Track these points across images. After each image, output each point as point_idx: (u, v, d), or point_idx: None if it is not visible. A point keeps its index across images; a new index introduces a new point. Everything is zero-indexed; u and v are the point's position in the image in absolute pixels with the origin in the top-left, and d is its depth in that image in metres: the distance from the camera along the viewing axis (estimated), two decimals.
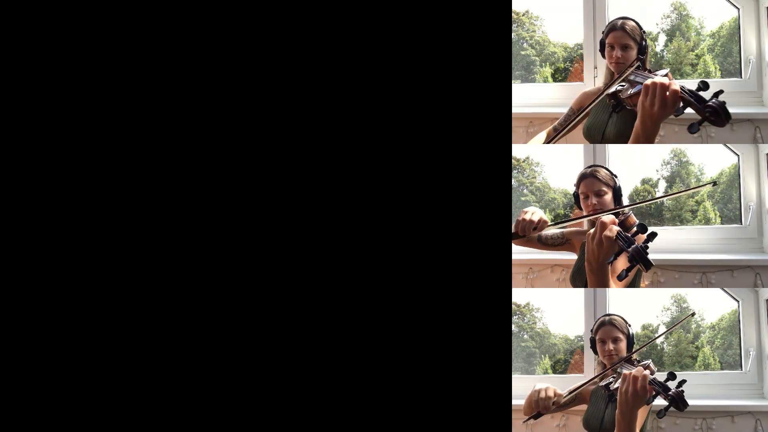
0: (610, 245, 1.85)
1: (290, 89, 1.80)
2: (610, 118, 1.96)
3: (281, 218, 1.79)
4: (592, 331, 2.02)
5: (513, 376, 1.87)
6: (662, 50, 2.11)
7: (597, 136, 1.98)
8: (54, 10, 1.80)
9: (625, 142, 1.93)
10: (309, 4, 1.80)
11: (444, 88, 1.79)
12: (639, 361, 1.95)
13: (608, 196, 1.97)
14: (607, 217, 1.87)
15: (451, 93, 1.79)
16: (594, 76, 2.13)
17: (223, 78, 1.80)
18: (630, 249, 1.83)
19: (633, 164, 2.14)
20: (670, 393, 1.87)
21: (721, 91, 1.82)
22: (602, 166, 2.00)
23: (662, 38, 2.12)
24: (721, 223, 2.12)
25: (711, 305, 2.12)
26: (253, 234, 1.79)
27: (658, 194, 2.15)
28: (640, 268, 1.85)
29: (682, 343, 2.11)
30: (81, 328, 1.78)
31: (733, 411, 2.04)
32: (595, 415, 1.95)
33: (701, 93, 1.83)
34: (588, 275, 1.88)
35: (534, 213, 1.96)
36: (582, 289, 2.07)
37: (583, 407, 1.99)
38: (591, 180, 1.98)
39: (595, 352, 2.01)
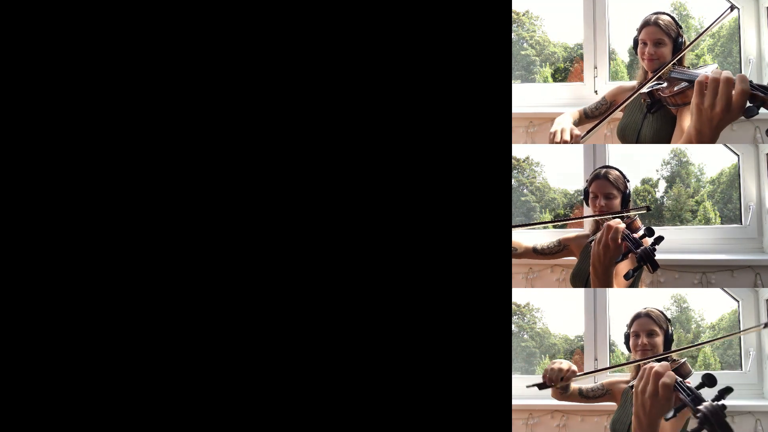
0: (617, 248, 1.81)
1: (290, 89, 1.80)
2: (645, 119, 1.89)
3: (282, 217, 1.79)
4: (627, 326, 1.95)
5: (513, 376, 1.87)
6: None
7: (632, 136, 1.92)
8: (54, 10, 1.80)
9: (665, 142, 1.87)
10: (309, 4, 1.80)
11: (444, 88, 1.79)
12: (675, 361, 1.83)
13: (617, 201, 1.95)
14: (613, 221, 1.82)
15: (452, 93, 1.79)
16: (594, 76, 2.13)
17: (223, 78, 1.80)
18: (638, 250, 1.80)
19: (633, 164, 2.14)
20: (700, 408, 1.49)
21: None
22: (616, 169, 1.98)
23: None
24: (721, 223, 2.12)
25: (711, 305, 2.12)
26: (253, 231, 1.79)
27: (658, 194, 2.15)
28: (648, 269, 1.81)
29: (683, 343, 2.11)
30: (81, 328, 1.78)
31: (733, 411, 2.04)
32: (622, 419, 1.88)
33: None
34: (592, 277, 1.86)
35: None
36: (582, 289, 2.07)
37: (608, 406, 1.97)
38: (602, 181, 1.96)
39: (629, 350, 1.94)
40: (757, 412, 2.03)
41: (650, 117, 1.87)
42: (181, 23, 1.80)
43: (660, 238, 1.82)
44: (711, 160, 2.14)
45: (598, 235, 1.85)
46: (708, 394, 1.55)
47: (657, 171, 2.14)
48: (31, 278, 1.78)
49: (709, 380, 1.55)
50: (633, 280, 1.88)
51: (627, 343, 1.93)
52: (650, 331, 1.89)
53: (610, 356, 2.09)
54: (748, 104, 1.60)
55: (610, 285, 1.86)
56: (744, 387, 2.08)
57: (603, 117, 1.92)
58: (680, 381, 1.58)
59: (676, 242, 2.11)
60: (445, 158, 1.79)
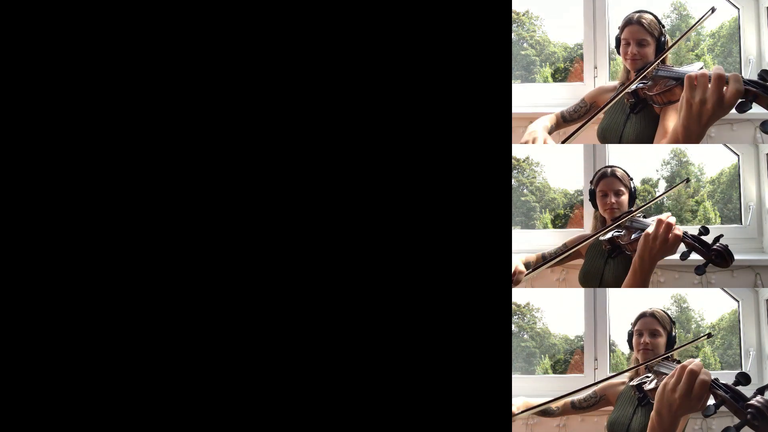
0: (676, 242, 1.78)
1: (290, 89, 1.80)
2: (628, 120, 1.94)
3: (281, 218, 1.79)
4: (631, 324, 1.97)
5: (513, 376, 1.87)
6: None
7: (614, 138, 1.96)
8: (54, 10, 1.80)
9: (648, 142, 1.90)
10: (309, 4, 1.80)
11: (444, 88, 1.79)
12: (679, 362, 1.84)
13: (626, 197, 2.01)
14: (671, 219, 1.80)
15: (452, 93, 1.79)
16: (594, 76, 2.12)
17: (223, 78, 1.80)
18: (713, 249, 1.76)
19: (633, 164, 2.14)
20: (751, 403, 1.62)
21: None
22: (619, 167, 2.03)
23: None
24: (721, 223, 2.12)
25: (711, 305, 2.12)
26: (252, 232, 1.79)
27: (659, 194, 2.15)
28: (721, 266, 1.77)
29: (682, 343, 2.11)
30: (81, 328, 1.78)
31: None
32: (621, 420, 1.89)
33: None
34: (632, 274, 1.84)
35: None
36: (582, 289, 2.07)
37: (608, 409, 1.97)
38: (611, 179, 2.02)
39: (631, 348, 1.96)
40: None
41: (633, 118, 1.90)
42: (181, 23, 1.80)
43: (720, 236, 1.82)
44: (711, 160, 2.14)
45: (652, 229, 1.83)
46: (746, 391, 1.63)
47: (657, 171, 2.14)
48: (31, 278, 1.78)
49: (744, 378, 1.62)
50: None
51: (630, 341, 1.96)
52: (653, 331, 1.92)
53: (610, 356, 2.08)
54: (741, 99, 1.64)
55: (646, 284, 1.83)
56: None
57: (585, 120, 1.93)
58: (715, 379, 1.62)
59: None
60: (445, 158, 1.79)
